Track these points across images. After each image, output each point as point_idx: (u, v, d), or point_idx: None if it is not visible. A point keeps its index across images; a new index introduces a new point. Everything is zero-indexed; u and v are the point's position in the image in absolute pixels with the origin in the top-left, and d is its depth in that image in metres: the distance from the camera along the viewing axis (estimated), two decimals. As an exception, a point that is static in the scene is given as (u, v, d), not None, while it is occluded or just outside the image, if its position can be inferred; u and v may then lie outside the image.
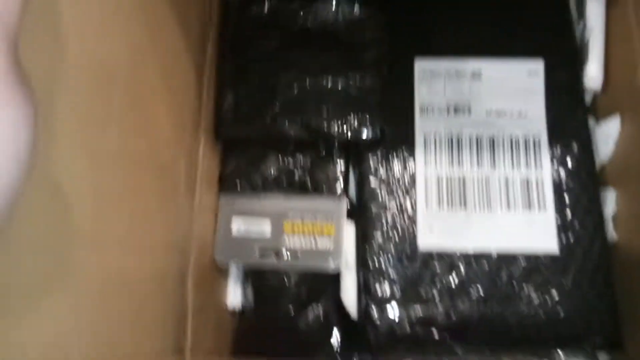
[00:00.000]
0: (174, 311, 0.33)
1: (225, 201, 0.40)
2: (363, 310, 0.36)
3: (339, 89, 0.37)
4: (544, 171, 0.36)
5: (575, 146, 0.36)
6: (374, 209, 0.36)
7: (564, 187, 0.35)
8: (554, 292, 0.34)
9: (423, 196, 0.36)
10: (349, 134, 0.37)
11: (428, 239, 0.35)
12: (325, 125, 0.37)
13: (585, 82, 0.37)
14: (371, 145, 0.37)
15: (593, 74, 0.37)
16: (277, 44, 0.39)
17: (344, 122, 0.37)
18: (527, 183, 0.35)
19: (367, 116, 0.37)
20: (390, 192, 0.36)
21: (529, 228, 0.35)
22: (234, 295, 0.41)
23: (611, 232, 0.36)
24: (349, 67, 0.38)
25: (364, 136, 0.37)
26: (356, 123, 0.37)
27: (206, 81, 0.38)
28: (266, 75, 0.38)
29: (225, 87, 0.39)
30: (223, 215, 0.39)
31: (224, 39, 0.40)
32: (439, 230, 0.35)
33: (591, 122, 0.39)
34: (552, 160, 0.36)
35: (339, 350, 0.38)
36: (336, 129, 0.37)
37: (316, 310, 0.39)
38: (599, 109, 0.40)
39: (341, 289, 0.38)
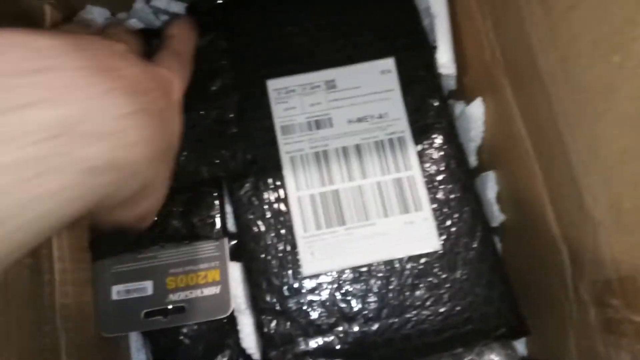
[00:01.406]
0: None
1: (99, 268, 0.37)
2: (261, 353, 0.33)
3: (191, 125, 0.35)
4: (414, 170, 0.34)
5: (439, 137, 0.35)
6: (252, 244, 0.34)
7: (436, 181, 0.34)
8: (446, 291, 0.32)
9: (300, 220, 0.34)
10: (212, 170, 0.35)
11: (311, 264, 0.33)
12: (184, 166, 0.35)
13: (439, 69, 0.36)
14: (237, 177, 0.35)
15: (443, 60, 0.36)
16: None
17: (202, 159, 0.35)
18: (399, 185, 0.34)
19: (226, 148, 0.35)
20: (267, 222, 0.34)
21: (409, 231, 0.33)
22: (138, 361, 0.39)
23: (498, 215, 0.36)
24: (196, 100, 0.36)
25: (227, 169, 0.35)
26: (216, 157, 0.35)
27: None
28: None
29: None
30: (100, 283, 0.36)
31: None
32: (321, 252, 0.33)
33: (461, 107, 0.39)
34: (419, 157, 0.34)
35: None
36: (196, 168, 0.35)
37: (221, 363, 0.36)
38: (466, 93, 0.39)
39: (240, 335, 0.35)
